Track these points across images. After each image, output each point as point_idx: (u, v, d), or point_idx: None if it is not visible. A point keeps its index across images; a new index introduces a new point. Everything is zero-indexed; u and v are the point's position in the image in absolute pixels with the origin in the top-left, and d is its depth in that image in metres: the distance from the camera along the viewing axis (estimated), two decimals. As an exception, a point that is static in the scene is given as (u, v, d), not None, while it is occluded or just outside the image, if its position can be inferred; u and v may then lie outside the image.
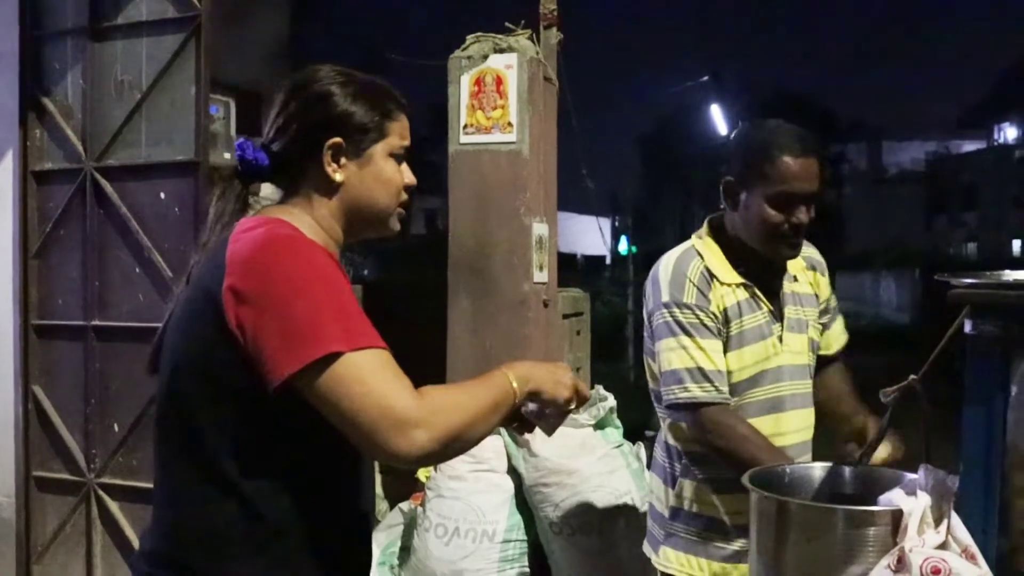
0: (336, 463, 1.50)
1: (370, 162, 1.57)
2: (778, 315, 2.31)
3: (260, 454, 1.43)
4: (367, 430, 1.33)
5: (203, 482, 1.45)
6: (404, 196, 1.63)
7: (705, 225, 2.39)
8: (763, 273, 2.30)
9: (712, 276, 2.26)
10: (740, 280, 2.28)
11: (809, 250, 2.42)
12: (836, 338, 2.52)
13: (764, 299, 2.29)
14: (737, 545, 2.26)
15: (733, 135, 2.32)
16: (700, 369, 2.20)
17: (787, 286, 2.35)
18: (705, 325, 2.22)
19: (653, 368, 2.34)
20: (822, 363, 2.45)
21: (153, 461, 1.56)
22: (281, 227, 1.48)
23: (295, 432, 1.43)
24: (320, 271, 1.41)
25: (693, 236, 2.38)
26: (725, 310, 2.25)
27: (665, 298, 2.26)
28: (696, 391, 2.20)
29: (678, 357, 2.22)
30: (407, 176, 1.63)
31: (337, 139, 1.54)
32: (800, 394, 2.34)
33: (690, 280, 2.24)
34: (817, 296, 2.43)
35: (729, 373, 2.25)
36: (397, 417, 1.32)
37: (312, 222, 1.55)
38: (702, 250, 2.31)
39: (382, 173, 1.59)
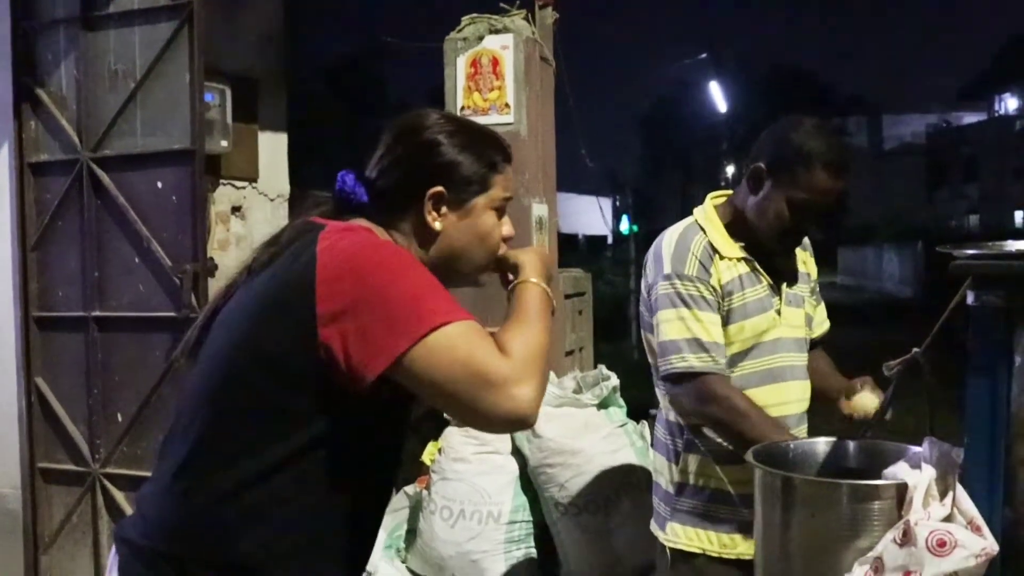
0: (374, 455, 1.52)
1: (470, 214, 1.58)
2: (776, 289, 2.34)
3: (304, 444, 1.42)
4: (471, 401, 1.35)
5: (240, 464, 1.43)
6: (502, 249, 1.65)
7: (707, 201, 2.42)
8: (762, 248, 2.32)
9: (714, 250, 2.29)
10: (741, 254, 2.31)
11: None
12: (819, 324, 2.55)
13: (764, 273, 2.32)
14: (744, 516, 2.27)
15: (776, 125, 2.29)
16: (698, 340, 2.23)
17: (783, 262, 2.38)
18: (705, 298, 2.25)
19: (652, 342, 2.36)
20: (809, 347, 2.48)
21: (172, 440, 1.53)
22: (370, 234, 1.50)
23: (345, 427, 1.43)
24: (409, 259, 1.44)
25: (695, 211, 2.40)
26: (725, 284, 2.28)
27: (667, 270, 2.28)
28: (693, 361, 2.22)
29: (676, 328, 2.25)
30: (507, 228, 1.64)
31: (440, 188, 1.54)
32: (799, 366, 2.38)
33: (693, 253, 2.27)
34: (808, 275, 2.48)
35: (731, 344, 2.28)
36: (494, 378, 1.34)
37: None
38: (704, 224, 2.34)
39: (482, 226, 1.59)
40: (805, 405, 2.42)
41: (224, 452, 1.45)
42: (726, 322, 2.28)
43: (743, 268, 2.30)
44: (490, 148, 1.60)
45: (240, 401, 1.44)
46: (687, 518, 2.36)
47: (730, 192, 2.43)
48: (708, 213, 2.37)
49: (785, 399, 2.33)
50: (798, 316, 2.38)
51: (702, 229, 2.32)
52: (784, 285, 2.36)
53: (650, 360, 2.41)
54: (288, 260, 1.47)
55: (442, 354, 1.34)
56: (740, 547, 2.29)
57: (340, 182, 1.58)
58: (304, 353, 1.38)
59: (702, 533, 2.34)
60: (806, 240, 2.47)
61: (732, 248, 2.30)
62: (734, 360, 2.29)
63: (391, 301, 1.36)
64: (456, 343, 1.35)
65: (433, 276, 1.44)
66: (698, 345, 2.22)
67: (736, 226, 2.33)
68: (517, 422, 1.37)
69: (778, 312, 2.32)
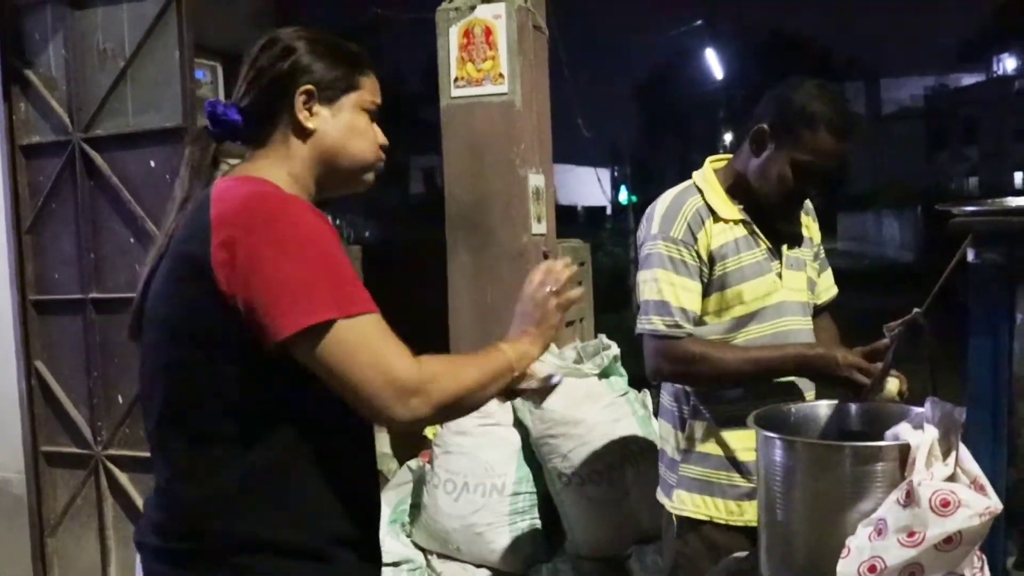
0: (339, 413, 1.49)
1: (342, 110, 1.57)
2: (776, 252, 2.31)
3: (262, 411, 1.42)
4: (367, 396, 1.36)
5: (205, 446, 1.44)
6: (381, 156, 1.63)
7: (706, 164, 2.39)
8: (762, 211, 2.30)
9: (711, 213, 2.26)
10: (739, 216, 2.28)
11: None
12: (826, 289, 2.53)
13: (762, 236, 2.29)
14: (751, 482, 2.26)
15: (780, 86, 2.26)
16: (665, 303, 2.23)
17: (784, 225, 2.34)
18: (684, 262, 2.24)
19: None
20: (813, 313, 2.45)
21: (146, 432, 1.54)
22: (263, 185, 1.46)
23: (296, 386, 1.42)
24: (311, 232, 1.39)
25: (694, 174, 2.37)
26: (721, 247, 2.25)
27: (655, 230, 2.27)
28: (658, 323, 2.23)
29: (650, 288, 2.25)
30: (380, 136, 1.63)
31: (309, 85, 1.54)
32: (804, 330, 2.35)
33: (684, 216, 2.26)
34: (811, 239, 2.45)
35: (731, 308, 2.26)
36: (397, 385, 1.35)
37: (286, 176, 1.53)
38: (702, 185, 2.31)
39: (355, 124, 1.58)
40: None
41: (190, 437, 1.45)
42: (723, 286, 2.25)
43: (740, 231, 2.27)
44: (350, 52, 1.60)
45: (187, 382, 1.44)
46: (693, 485, 2.35)
47: (730, 156, 2.40)
48: (707, 175, 2.34)
49: None
50: (799, 279, 2.35)
51: (699, 191, 2.30)
52: (784, 248, 2.33)
53: None
54: (187, 226, 1.46)
55: (347, 347, 1.35)
56: (748, 514, 2.28)
57: (209, 108, 1.57)
58: (219, 319, 1.37)
59: (708, 500, 2.33)
60: (809, 204, 2.44)
61: (730, 210, 2.28)
62: (739, 324, 2.27)
63: (278, 284, 1.35)
64: (362, 339, 1.36)
65: (337, 251, 1.41)
66: (664, 308, 2.22)
67: (736, 189, 2.31)
68: (394, 424, 1.39)
69: (779, 275, 2.30)
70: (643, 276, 2.28)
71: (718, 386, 2.28)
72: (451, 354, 1.54)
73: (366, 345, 1.36)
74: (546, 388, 1.65)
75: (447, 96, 3.99)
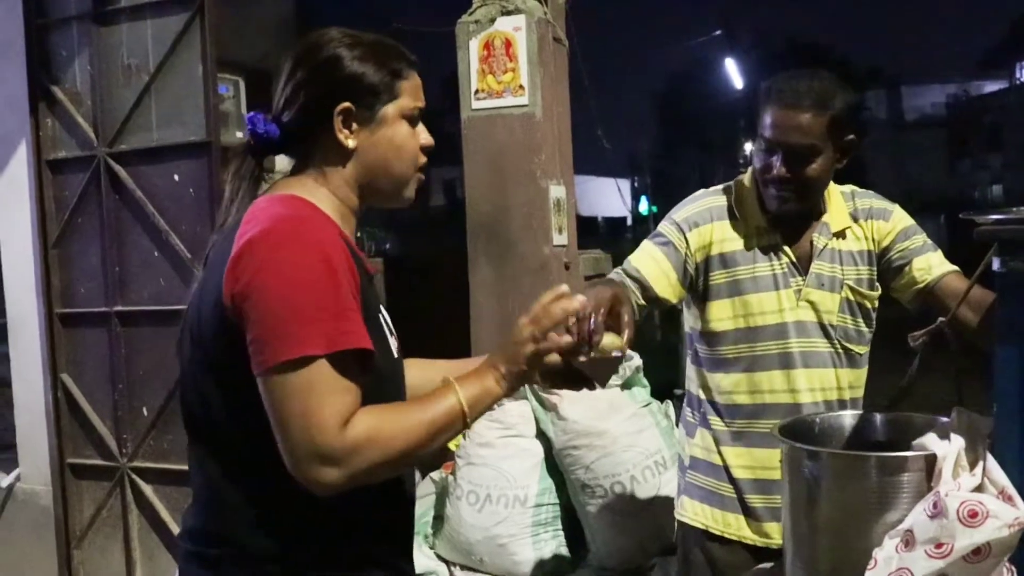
0: None
1: (382, 125, 1.52)
2: (801, 269, 2.21)
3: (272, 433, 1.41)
4: (284, 450, 1.33)
5: (234, 460, 1.45)
6: (422, 159, 1.59)
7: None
8: (793, 222, 2.21)
9: (731, 215, 2.23)
10: (764, 224, 2.21)
11: (861, 201, 2.28)
12: (938, 266, 2.21)
13: (788, 250, 2.21)
14: (747, 500, 2.25)
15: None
16: (626, 262, 2.23)
17: (822, 240, 2.22)
18: (669, 240, 2.22)
19: (686, 315, 2.35)
20: (938, 288, 2.18)
21: (188, 441, 1.55)
22: (294, 207, 1.45)
23: None
24: (300, 266, 1.35)
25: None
26: (723, 253, 2.21)
27: (670, 213, 2.30)
28: (612, 274, 2.22)
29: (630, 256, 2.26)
30: (423, 137, 1.58)
31: (347, 104, 1.49)
32: (815, 352, 2.22)
33: (697, 205, 2.26)
34: (870, 251, 2.25)
35: (733, 318, 2.22)
36: (315, 448, 1.30)
37: (327, 193, 1.52)
38: (739, 186, 2.27)
39: (395, 136, 1.53)
40: (829, 395, 2.24)
41: (220, 447, 1.46)
42: (732, 293, 2.20)
43: (763, 240, 2.21)
44: (392, 56, 1.54)
45: (215, 396, 1.44)
46: (696, 492, 2.34)
47: None
48: (748, 177, 2.27)
49: (796, 387, 2.20)
50: (831, 301, 2.21)
51: (733, 190, 2.27)
52: (815, 264, 2.20)
53: (688, 326, 2.36)
54: (219, 246, 1.46)
55: (292, 388, 1.31)
56: (744, 530, 2.26)
57: (251, 124, 1.55)
58: (235, 339, 1.36)
59: (707, 509, 2.31)
60: (871, 207, 2.27)
61: (756, 216, 2.21)
62: (747, 337, 2.20)
63: (268, 315, 1.33)
64: (310, 388, 1.31)
65: (336, 288, 1.36)
66: (621, 267, 2.23)
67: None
68: (305, 484, 1.33)
69: (797, 292, 2.20)
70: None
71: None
72: (396, 404, 1.47)
73: (305, 395, 1.31)
74: (610, 362, 1.54)
75: (468, 108, 4.01)
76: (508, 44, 3.96)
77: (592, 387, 1.58)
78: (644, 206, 18.41)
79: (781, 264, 2.21)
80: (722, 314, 2.22)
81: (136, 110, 3.85)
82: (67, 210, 4.04)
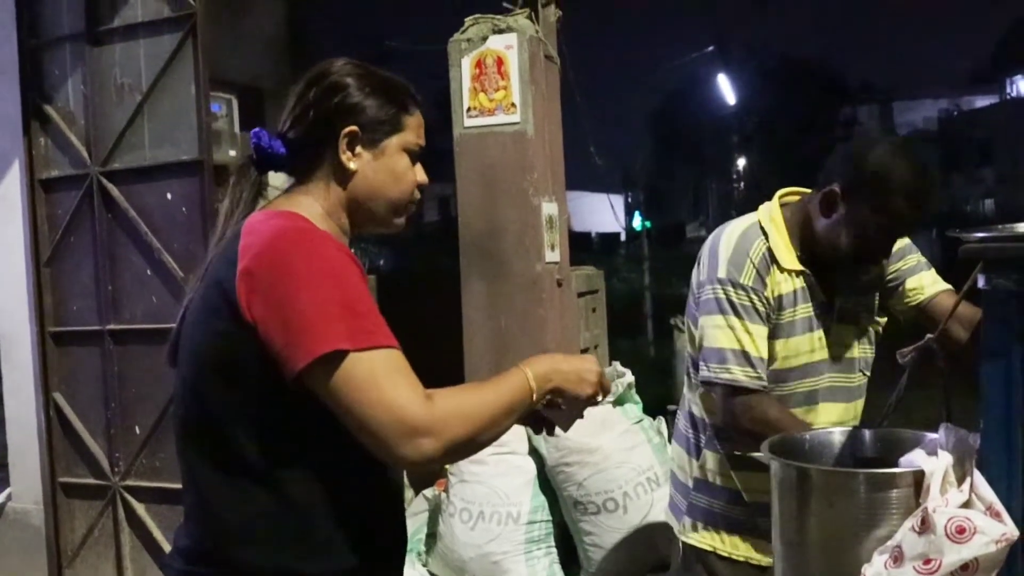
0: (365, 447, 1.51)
1: (384, 154, 1.57)
2: (830, 307, 2.21)
3: (286, 442, 1.43)
4: (374, 433, 1.33)
5: (232, 475, 1.45)
6: (416, 195, 1.64)
7: (775, 201, 2.28)
8: (825, 262, 2.20)
9: (774, 259, 2.17)
10: (799, 268, 2.18)
11: None
12: (930, 285, 2.30)
13: (819, 289, 2.19)
14: (756, 523, 2.24)
15: (853, 144, 2.19)
16: (745, 353, 2.14)
17: (844, 275, 2.23)
18: (756, 309, 2.15)
19: (696, 335, 2.27)
20: (929, 307, 2.26)
21: (178, 458, 1.55)
22: (293, 220, 1.48)
23: (319, 418, 1.42)
24: (330, 265, 1.40)
25: (761, 209, 2.27)
26: (780, 297, 2.17)
27: (721, 274, 2.17)
28: (739, 374, 2.14)
29: (725, 336, 2.15)
30: (419, 175, 1.63)
31: (353, 127, 1.54)
32: (839, 387, 2.25)
33: (751, 260, 2.16)
34: (880, 276, 2.29)
35: (773, 360, 2.19)
36: (407, 425, 1.32)
37: (322, 212, 1.55)
38: (768, 228, 2.20)
39: (396, 167, 1.58)
40: (844, 425, 2.19)
41: (214, 464, 1.46)
42: (774, 335, 2.18)
43: (799, 283, 2.18)
44: (400, 92, 1.60)
45: (212, 411, 1.45)
46: (701, 515, 2.33)
47: (802, 191, 2.29)
48: (774, 215, 2.22)
49: (815, 420, 2.21)
50: (849, 333, 2.24)
51: (764, 233, 2.20)
52: (839, 299, 2.22)
53: (688, 350, 2.34)
54: (219, 259, 1.48)
55: (350, 382, 1.33)
56: (752, 552, 2.27)
57: (255, 138, 1.58)
58: (245, 351, 1.38)
59: (713, 532, 2.31)
60: None
61: (792, 260, 2.18)
62: (778, 377, 2.20)
63: (293, 314, 1.35)
64: (375, 375, 1.33)
65: (357, 283, 1.40)
66: (745, 358, 2.13)
67: (802, 235, 2.20)
68: (406, 465, 1.37)
69: (826, 331, 2.20)
70: (713, 321, 2.17)
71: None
72: (464, 384, 1.49)
73: (374, 381, 1.33)
74: (580, 412, 1.60)
75: (460, 126, 4.03)
76: (500, 62, 3.98)
77: (552, 433, 1.69)
78: (637, 221, 18.41)
79: (816, 304, 2.20)
80: (768, 354, 2.19)
81: (129, 129, 3.85)
82: (60, 228, 4.04)
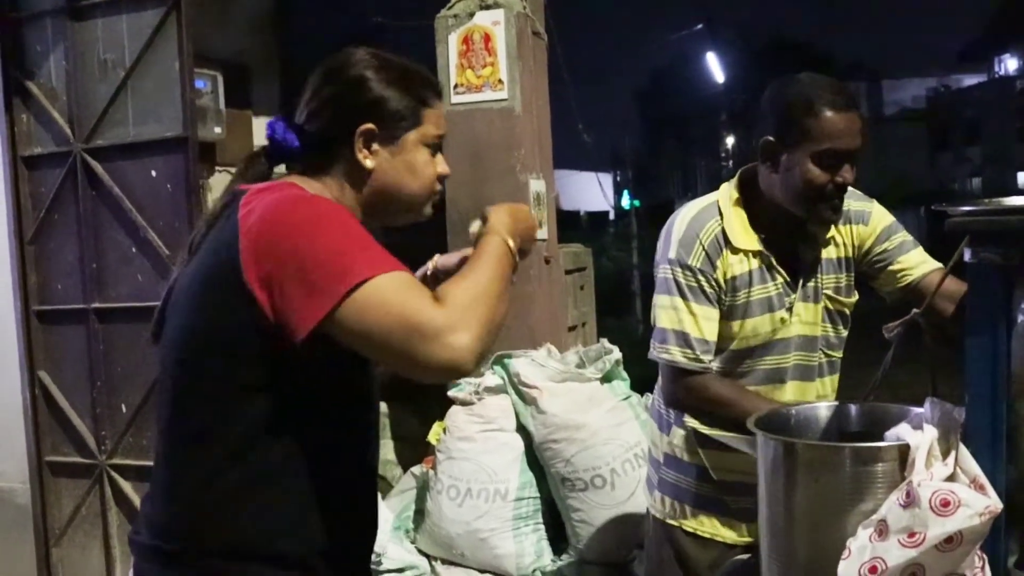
0: (345, 422, 1.51)
1: (403, 150, 1.55)
2: (792, 285, 2.20)
3: (264, 420, 1.43)
4: (404, 351, 1.31)
5: (205, 449, 1.44)
6: (437, 187, 1.62)
7: (735, 179, 2.25)
8: (786, 239, 2.19)
9: (727, 242, 2.16)
10: (757, 247, 2.17)
11: (847, 203, 2.20)
12: (920, 264, 2.22)
13: (780, 269, 2.19)
14: (724, 501, 2.26)
15: (767, 93, 2.16)
16: (685, 335, 2.15)
17: (810, 253, 2.22)
18: (703, 291, 2.15)
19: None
20: (920, 288, 2.18)
21: (156, 432, 1.55)
22: (287, 189, 1.47)
23: (300, 396, 1.43)
24: (333, 214, 1.40)
25: (722, 188, 2.25)
26: (734, 279, 2.16)
27: (672, 254, 2.18)
28: (678, 355, 2.16)
29: (668, 317, 2.17)
30: (440, 166, 1.61)
31: (370, 125, 1.52)
32: (805, 366, 2.24)
33: (701, 242, 2.16)
34: (848, 258, 2.26)
35: (730, 339, 2.19)
36: (432, 327, 1.29)
37: (329, 198, 1.52)
38: (724, 209, 2.19)
39: (415, 162, 1.56)
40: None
41: (193, 439, 1.46)
42: (728, 316, 2.17)
43: (755, 263, 2.17)
44: (419, 83, 1.58)
45: (197, 385, 1.45)
46: (669, 489, 2.34)
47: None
48: (733, 195, 2.21)
49: (781, 398, 2.20)
50: (813, 312, 2.22)
51: (720, 213, 2.19)
52: (802, 280, 2.21)
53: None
54: (216, 232, 1.46)
55: (372, 309, 1.31)
56: (719, 529, 2.28)
57: (270, 130, 1.56)
58: (243, 323, 1.37)
59: (679, 507, 2.32)
60: (858, 210, 2.25)
61: (749, 240, 2.17)
62: (737, 357, 2.20)
63: (309, 261, 1.34)
64: (386, 296, 1.31)
65: (358, 226, 1.41)
66: (684, 340, 2.15)
67: (762, 213, 2.19)
68: (453, 370, 1.32)
69: (788, 310, 2.18)
70: (660, 301, 2.20)
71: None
72: (454, 276, 1.46)
73: (387, 302, 1.31)
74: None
75: (447, 102, 4.00)
76: (487, 38, 3.96)
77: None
78: (626, 200, 18.41)
79: (776, 284, 2.19)
80: (723, 334, 2.19)
81: (112, 105, 3.82)
82: (43, 206, 4.01)
